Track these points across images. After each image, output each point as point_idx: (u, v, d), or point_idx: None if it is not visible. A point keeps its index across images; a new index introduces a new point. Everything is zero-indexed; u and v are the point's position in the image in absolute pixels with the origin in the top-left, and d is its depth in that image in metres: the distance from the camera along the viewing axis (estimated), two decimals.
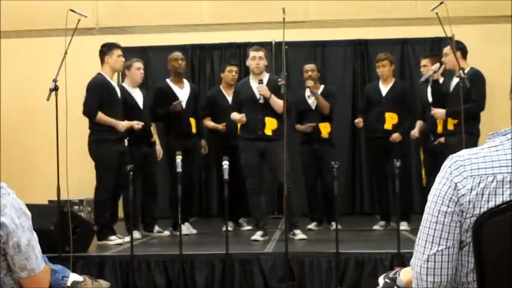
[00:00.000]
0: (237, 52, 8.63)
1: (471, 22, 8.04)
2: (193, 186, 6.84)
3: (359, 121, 6.74)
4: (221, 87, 7.15)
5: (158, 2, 8.51)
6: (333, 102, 6.79)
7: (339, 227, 6.75)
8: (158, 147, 6.60)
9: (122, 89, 6.31)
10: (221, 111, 6.87)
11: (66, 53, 5.10)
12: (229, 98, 6.87)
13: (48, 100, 4.89)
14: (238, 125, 6.44)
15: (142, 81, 6.54)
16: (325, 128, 6.78)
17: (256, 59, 6.06)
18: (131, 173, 4.93)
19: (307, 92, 6.81)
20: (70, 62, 5.08)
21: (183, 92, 6.64)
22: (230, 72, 7.03)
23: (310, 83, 6.73)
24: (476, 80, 5.83)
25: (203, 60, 8.68)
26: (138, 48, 8.40)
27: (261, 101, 5.95)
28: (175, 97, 6.56)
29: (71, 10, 5.12)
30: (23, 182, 7.23)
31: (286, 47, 5.88)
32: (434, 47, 8.03)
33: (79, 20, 5.20)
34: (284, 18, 5.27)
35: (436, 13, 5.21)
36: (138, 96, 6.43)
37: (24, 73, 8.44)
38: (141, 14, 8.58)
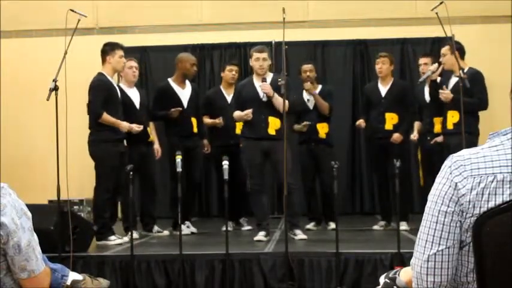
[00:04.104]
0: (237, 52, 8.64)
1: (471, 22, 8.04)
2: (195, 186, 6.83)
3: (360, 123, 6.71)
4: (221, 86, 7.16)
5: (158, 2, 8.51)
6: (331, 102, 6.77)
7: (334, 226, 6.82)
8: (156, 146, 6.60)
9: (119, 89, 6.29)
10: (219, 110, 6.89)
11: (66, 53, 5.10)
12: (228, 98, 6.91)
13: (48, 100, 4.89)
14: (237, 124, 6.45)
15: (136, 80, 6.52)
16: (322, 128, 6.77)
17: (260, 60, 6.04)
18: (131, 172, 4.93)
19: (305, 94, 6.81)
20: (70, 62, 5.07)
21: (184, 92, 6.63)
22: (230, 72, 7.02)
23: (307, 85, 6.71)
24: (478, 79, 5.84)
25: (203, 60, 8.66)
26: (138, 48, 8.41)
27: (264, 99, 5.93)
28: (176, 97, 6.56)
29: (71, 10, 5.12)
30: (23, 182, 7.22)
31: (286, 47, 5.86)
32: (434, 47, 8.04)
33: (79, 20, 5.20)
34: (284, 18, 5.26)
35: (436, 13, 5.21)
36: (134, 95, 6.44)
37: (24, 73, 8.44)
38: (141, 14, 8.58)
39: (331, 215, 6.75)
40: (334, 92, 7.00)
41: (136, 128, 6.05)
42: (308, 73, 6.79)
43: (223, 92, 7.05)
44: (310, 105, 6.79)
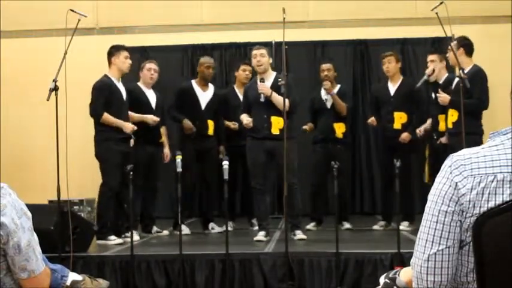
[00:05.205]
0: (237, 52, 8.63)
1: (471, 22, 8.04)
2: (210, 187, 6.81)
3: (372, 121, 6.69)
4: (235, 86, 7.17)
5: (158, 2, 8.51)
6: (348, 102, 6.79)
7: (349, 226, 6.83)
8: (166, 150, 6.63)
9: (137, 88, 6.43)
10: (232, 110, 6.88)
11: (66, 53, 5.10)
12: (242, 97, 6.91)
13: (48, 100, 4.89)
14: None
15: (153, 82, 6.60)
16: (339, 128, 6.76)
17: (257, 57, 6.04)
18: (131, 172, 4.93)
19: (323, 93, 6.77)
20: (70, 62, 5.08)
21: (205, 94, 6.70)
22: (244, 72, 7.03)
23: (327, 84, 6.68)
24: (479, 78, 5.83)
25: None
26: (138, 48, 8.40)
27: (262, 99, 5.93)
28: (195, 99, 6.63)
29: (71, 10, 5.12)
30: (23, 182, 7.22)
31: (286, 47, 5.87)
32: (434, 47, 8.03)
33: (79, 20, 5.20)
34: (284, 18, 5.26)
35: (436, 13, 5.21)
36: (151, 96, 6.55)
37: (24, 73, 8.44)
38: (141, 14, 8.58)
39: (345, 215, 6.81)
40: (348, 92, 7.06)
41: (151, 120, 6.24)
42: (326, 72, 6.76)
43: (237, 91, 7.04)
44: (328, 104, 6.78)
